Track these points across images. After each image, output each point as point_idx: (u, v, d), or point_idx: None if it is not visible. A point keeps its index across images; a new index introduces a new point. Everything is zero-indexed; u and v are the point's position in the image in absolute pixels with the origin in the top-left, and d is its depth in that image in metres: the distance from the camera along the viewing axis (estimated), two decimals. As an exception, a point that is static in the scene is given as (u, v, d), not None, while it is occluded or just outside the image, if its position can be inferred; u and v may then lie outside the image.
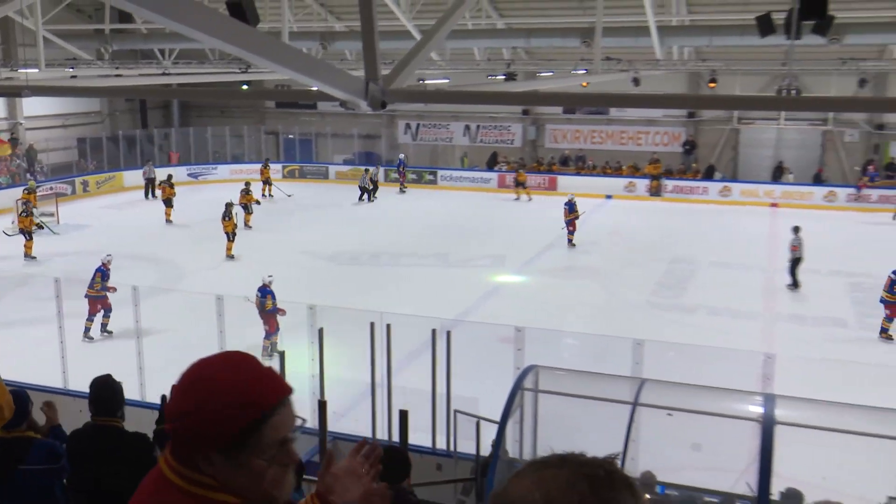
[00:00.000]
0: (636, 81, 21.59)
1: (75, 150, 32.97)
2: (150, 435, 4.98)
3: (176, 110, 38.91)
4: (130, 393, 6.48)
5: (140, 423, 5.42)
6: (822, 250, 21.93)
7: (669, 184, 30.56)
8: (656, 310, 16.83)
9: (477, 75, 24.00)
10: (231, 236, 20.86)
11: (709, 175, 30.93)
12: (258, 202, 25.06)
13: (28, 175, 28.51)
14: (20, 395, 4.65)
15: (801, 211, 27.72)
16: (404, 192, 31.87)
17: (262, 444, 1.62)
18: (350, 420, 10.16)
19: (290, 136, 36.69)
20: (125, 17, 24.58)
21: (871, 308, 16.79)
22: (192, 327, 12.85)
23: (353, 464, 1.92)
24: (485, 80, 24.00)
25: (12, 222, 22.50)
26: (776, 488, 7.25)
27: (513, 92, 13.62)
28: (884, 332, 15.19)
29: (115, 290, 14.34)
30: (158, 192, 28.64)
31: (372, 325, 9.68)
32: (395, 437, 8.63)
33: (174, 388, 1.66)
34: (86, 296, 14.43)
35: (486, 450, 7.84)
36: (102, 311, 14.60)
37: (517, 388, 8.18)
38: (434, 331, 9.59)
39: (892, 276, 15.11)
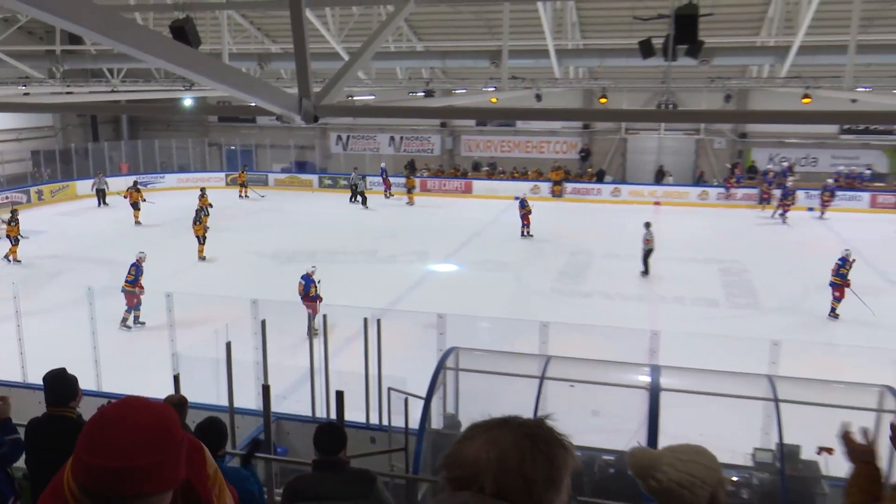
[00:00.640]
0: (538, 97, 21.87)
1: (29, 162, 31.46)
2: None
3: (125, 124, 37.64)
4: (87, 384, 6.21)
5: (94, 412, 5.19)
6: (697, 241, 22.75)
7: (569, 186, 31.12)
8: (559, 295, 17.08)
9: (399, 92, 23.90)
10: (202, 239, 20.12)
11: (601, 178, 31.62)
12: (211, 205, 24.29)
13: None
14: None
15: (680, 208, 28.72)
16: (389, 198, 30.88)
17: None
18: (292, 402, 10.01)
19: (232, 148, 35.83)
20: (75, 39, 23.50)
21: (739, 290, 17.48)
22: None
23: None
24: (406, 96, 23.97)
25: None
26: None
27: (431, 107, 13.57)
28: (832, 311, 15.14)
29: (143, 289, 14.06)
30: (111, 199, 27.64)
31: (309, 315, 9.56)
32: (333, 416, 8.54)
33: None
34: (122, 290, 14.11)
35: (414, 423, 7.82)
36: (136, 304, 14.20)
37: (440, 367, 8.21)
38: (366, 319, 9.52)
39: (839, 261, 15.13)
